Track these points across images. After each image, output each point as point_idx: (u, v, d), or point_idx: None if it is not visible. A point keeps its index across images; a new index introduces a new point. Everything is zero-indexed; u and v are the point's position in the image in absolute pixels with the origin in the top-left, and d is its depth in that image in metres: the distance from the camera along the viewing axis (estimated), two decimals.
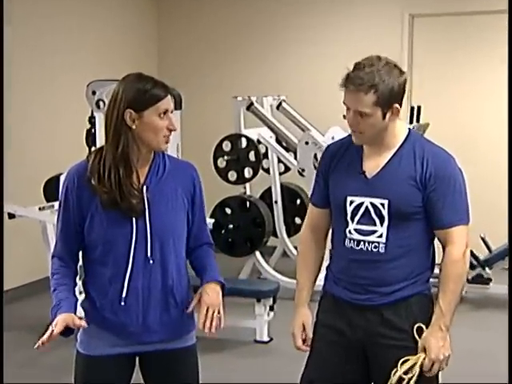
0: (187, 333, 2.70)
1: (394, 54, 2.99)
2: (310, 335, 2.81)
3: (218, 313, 2.63)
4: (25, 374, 4.86)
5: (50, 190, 5.85)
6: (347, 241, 2.71)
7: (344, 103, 2.66)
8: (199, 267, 2.75)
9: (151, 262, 2.59)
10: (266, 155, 7.42)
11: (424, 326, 2.66)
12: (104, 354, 2.63)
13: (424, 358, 2.61)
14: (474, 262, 6.74)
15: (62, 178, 5.09)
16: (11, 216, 5.66)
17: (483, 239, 6.53)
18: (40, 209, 5.70)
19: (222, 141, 7.09)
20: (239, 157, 7.05)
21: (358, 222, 2.68)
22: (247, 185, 7.34)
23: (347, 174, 2.69)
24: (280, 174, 7.52)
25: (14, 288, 6.68)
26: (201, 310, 2.62)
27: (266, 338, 5.89)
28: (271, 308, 5.92)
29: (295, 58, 8.37)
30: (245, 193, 7.37)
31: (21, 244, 6.62)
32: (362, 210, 2.66)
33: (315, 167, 6.40)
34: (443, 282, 2.64)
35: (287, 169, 7.42)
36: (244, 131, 7.09)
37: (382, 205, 2.63)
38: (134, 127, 2.53)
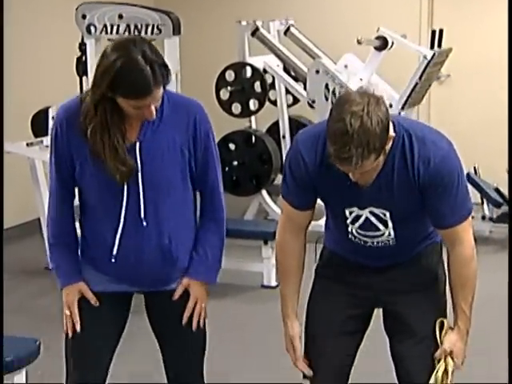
0: (177, 279, 2.71)
1: None
2: (299, 351, 2.77)
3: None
4: (12, 320, 4.90)
5: (38, 124, 5.80)
6: (351, 236, 2.70)
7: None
8: (195, 251, 2.71)
9: (144, 223, 2.58)
10: (272, 86, 7.33)
11: (446, 321, 2.70)
12: (99, 290, 2.67)
13: (445, 360, 2.67)
14: (500, 200, 6.73)
15: (51, 113, 5.07)
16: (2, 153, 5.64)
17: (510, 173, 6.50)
18: (28, 145, 5.67)
19: (224, 70, 7.01)
20: (244, 87, 6.97)
21: (359, 228, 2.66)
22: (252, 118, 7.28)
23: (338, 183, 2.56)
24: (288, 106, 7.44)
25: (4, 229, 6.72)
26: (189, 303, 2.69)
27: (273, 283, 5.90)
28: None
29: None
30: (250, 127, 7.31)
31: (9, 183, 6.62)
32: (363, 219, 2.64)
33: (326, 98, 6.34)
34: (461, 283, 2.65)
35: (296, 100, 7.34)
36: (249, 59, 6.99)
37: (384, 214, 2.62)
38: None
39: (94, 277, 2.68)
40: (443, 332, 2.68)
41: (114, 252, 2.60)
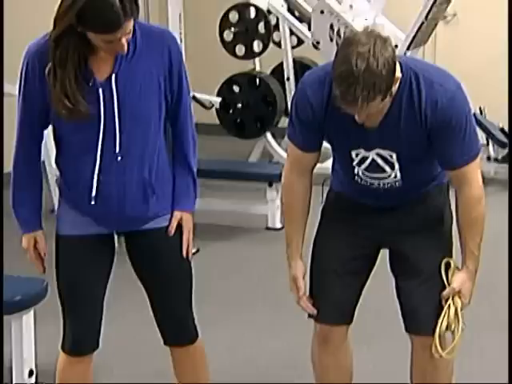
0: (164, 214, 2.72)
1: None
2: (302, 291, 2.80)
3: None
4: (19, 262, 4.93)
5: None
6: (357, 178, 2.71)
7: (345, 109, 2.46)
8: (175, 186, 2.73)
9: (119, 158, 2.57)
10: (276, 27, 7.27)
11: (452, 261, 2.72)
12: (83, 233, 2.68)
13: (453, 299, 2.69)
14: (505, 140, 6.73)
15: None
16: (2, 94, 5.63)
17: None
18: None
19: (228, 11, 6.96)
20: (247, 28, 6.92)
21: (365, 170, 2.67)
22: (256, 60, 7.25)
23: (344, 125, 2.56)
24: (292, 47, 7.39)
25: (7, 173, 6.75)
26: (185, 235, 2.72)
27: (278, 225, 5.95)
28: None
29: None
30: (254, 69, 7.29)
31: (12, 126, 6.61)
32: (369, 161, 2.64)
33: (331, 39, 6.30)
34: (469, 224, 2.66)
35: (300, 41, 7.29)
36: (252, 0, 6.97)
37: (391, 155, 2.62)
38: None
39: (74, 220, 2.67)
40: (450, 272, 2.71)
41: (93, 193, 2.59)
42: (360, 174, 2.69)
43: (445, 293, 2.69)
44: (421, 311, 2.74)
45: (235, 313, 4.38)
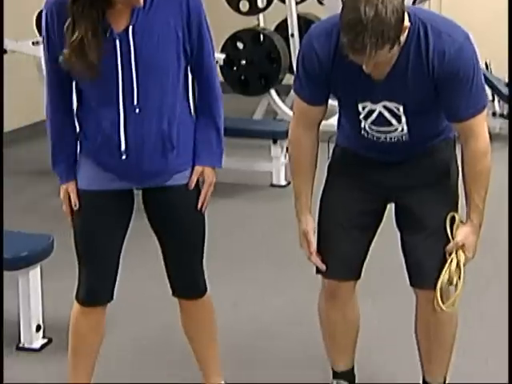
0: (184, 170, 2.72)
1: None
2: (313, 245, 2.80)
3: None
4: (25, 219, 5.00)
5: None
6: (363, 133, 2.70)
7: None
8: (197, 141, 2.73)
9: (137, 110, 2.57)
10: None
11: (457, 216, 2.72)
12: (102, 188, 2.69)
13: (457, 254, 2.70)
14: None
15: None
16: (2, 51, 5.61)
17: None
18: (34, 43, 5.63)
19: None
20: None
21: (372, 123, 2.66)
22: (261, 16, 7.22)
23: (352, 76, 2.55)
24: (297, 3, 7.35)
25: (12, 131, 6.77)
26: (204, 189, 2.73)
27: (283, 182, 5.97)
28: (288, 149, 5.96)
29: None
30: (258, 25, 7.26)
31: (16, 84, 6.62)
32: (376, 114, 2.63)
33: None
34: (474, 177, 2.66)
35: None
36: None
37: (397, 108, 2.61)
38: None
39: (93, 174, 2.69)
40: (454, 226, 2.72)
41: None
42: (367, 127, 2.69)
43: (448, 247, 2.70)
44: (425, 265, 2.76)
45: (239, 270, 4.42)
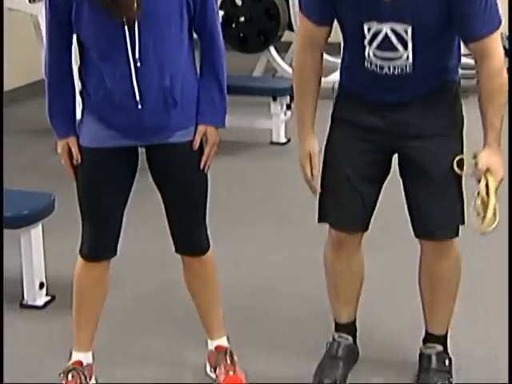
0: (187, 127, 2.73)
1: None
2: (317, 167, 2.81)
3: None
4: (25, 178, 5.02)
5: None
6: (366, 63, 2.68)
7: None
8: (200, 100, 2.73)
9: (138, 64, 2.57)
10: None
11: (465, 157, 2.70)
12: (105, 146, 2.70)
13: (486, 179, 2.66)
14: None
15: None
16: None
17: None
18: (30, 1, 5.61)
19: None
20: None
21: (377, 48, 2.63)
22: None
23: None
24: None
25: (12, 90, 6.76)
26: (207, 149, 2.74)
27: (282, 139, 5.98)
28: (288, 107, 5.95)
29: None
30: None
31: (14, 43, 6.59)
32: (381, 36, 2.60)
33: None
34: (492, 96, 2.64)
35: None
36: None
37: (405, 31, 2.58)
38: None
39: (96, 132, 2.70)
40: (465, 166, 2.67)
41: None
42: (371, 54, 2.65)
43: (477, 175, 2.66)
44: (432, 216, 2.76)
45: (239, 227, 4.44)
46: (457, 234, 2.81)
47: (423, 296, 2.94)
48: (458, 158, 2.70)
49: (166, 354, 3.18)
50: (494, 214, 2.63)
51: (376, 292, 3.34)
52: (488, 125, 2.66)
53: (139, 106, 2.61)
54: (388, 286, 3.65)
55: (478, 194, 2.65)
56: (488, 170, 2.66)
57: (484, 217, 2.64)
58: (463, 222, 2.80)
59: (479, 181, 2.66)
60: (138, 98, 2.61)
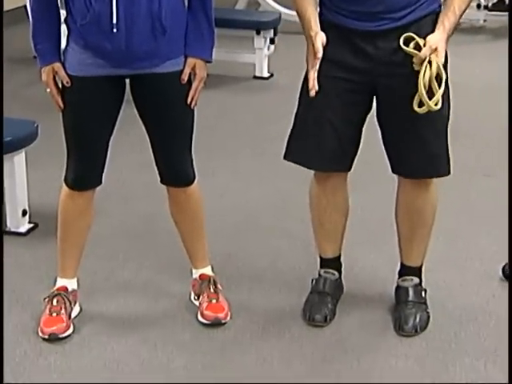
0: (175, 57, 2.73)
1: None
2: (320, 48, 2.65)
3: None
4: (7, 107, 4.95)
5: None
6: None
7: None
8: (188, 32, 2.72)
9: None
10: None
11: (418, 39, 2.63)
12: (91, 74, 2.69)
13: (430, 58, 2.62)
14: None
15: None
16: None
17: None
18: None
19: None
20: None
21: None
22: None
23: None
24: None
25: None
26: (195, 83, 2.74)
27: (265, 74, 5.95)
28: (272, 41, 5.92)
29: None
30: None
31: None
32: None
33: None
34: None
35: None
36: None
37: None
38: None
39: (82, 60, 2.68)
40: (412, 44, 2.64)
41: (114, 20, 2.59)
42: None
43: (422, 52, 2.62)
44: (410, 154, 2.78)
45: (222, 160, 4.46)
46: (441, 172, 2.83)
47: (401, 230, 2.98)
48: (405, 36, 2.65)
49: (150, 282, 3.22)
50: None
51: (356, 228, 3.37)
52: (449, 12, 2.66)
53: (115, 30, 2.59)
54: (367, 222, 3.67)
55: (430, 70, 2.60)
56: (435, 50, 2.62)
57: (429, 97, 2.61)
58: (447, 161, 2.82)
59: (423, 59, 2.61)
60: (115, 21, 2.58)
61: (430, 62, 2.61)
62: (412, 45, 2.65)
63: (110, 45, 2.63)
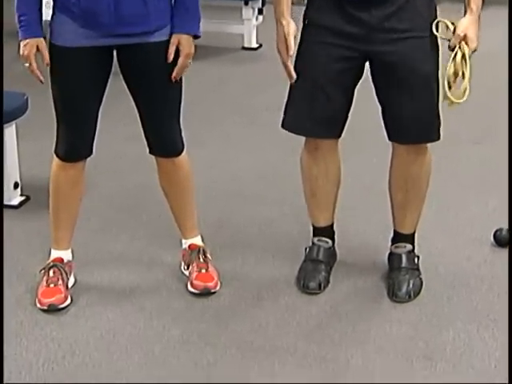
0: (163, 27, 2.71)
1: None
2: (292, 48, 2.73)
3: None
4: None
5: None
6: None
7: None
8: (176, 6, 2.70)
9: None
10: None
11: (448, 22, 2.66)
12: (79, 45, 2.67)
13: (460, 46, 2.64)
14: None
15: None
16: None
17: None
18: None
19: None
20: None
21: None
22: None
23: None
24: None
25: None
26: (181, 59, 2.69)
27: (254, 44, 5.96)
28: (260, 11, 5.92)
29: None
30: None
31: None
32: None
33: None
34: None
35: None
36: None
37: None
38: None
39: (70, 32, 2.67)
40: (442, 29, 2.66)
41: None
42: None
43: (451, 42, 2.66)
44: (409, 121, 2.78)
45: (211, 131, 4.46)
46: (434, 137, 2.84)
47: (394, 197, 2.99)
48: (436, 21, 2.68)
49: (141, 253, 3.23)
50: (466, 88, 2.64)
51: (348, 196, 3.38)
52: None
53: None
54: (359, 190, 3.69)
55: (454, 60, 2.64)
56: (465, 36, 2.65)
57: (450, 87, 2.64)
58: (438, 127, 2.82)
59: (453, 48, 2.65)
60: None
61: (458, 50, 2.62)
62: (440, 29, 2.66)
63: (99, 7, 2.61)
